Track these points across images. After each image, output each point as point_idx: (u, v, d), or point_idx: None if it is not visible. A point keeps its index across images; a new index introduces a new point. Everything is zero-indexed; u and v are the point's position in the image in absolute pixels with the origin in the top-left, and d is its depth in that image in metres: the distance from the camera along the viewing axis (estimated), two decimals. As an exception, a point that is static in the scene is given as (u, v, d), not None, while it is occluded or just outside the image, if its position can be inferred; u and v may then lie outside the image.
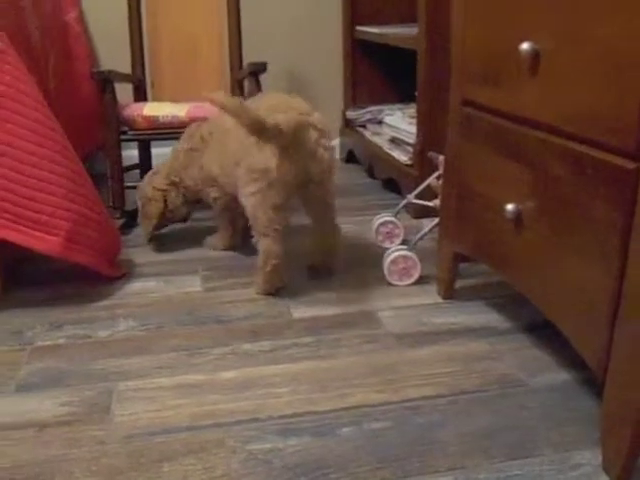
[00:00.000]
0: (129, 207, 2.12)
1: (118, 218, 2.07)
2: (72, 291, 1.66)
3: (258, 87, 2.08)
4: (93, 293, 1.64)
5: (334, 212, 1.69)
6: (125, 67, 2.31)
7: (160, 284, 1.70)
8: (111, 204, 2.07)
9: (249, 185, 1.55)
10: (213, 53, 2.36)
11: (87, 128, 2.32)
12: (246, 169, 1.55)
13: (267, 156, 1.49)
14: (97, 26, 2.63)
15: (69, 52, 2.37)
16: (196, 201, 1.92)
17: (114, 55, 2.51)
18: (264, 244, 1.57)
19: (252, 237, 1.61)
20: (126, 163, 2.18)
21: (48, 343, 1.43)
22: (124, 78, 2.23)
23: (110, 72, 2.05)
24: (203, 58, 2.37)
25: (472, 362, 1.33)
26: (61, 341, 1.44)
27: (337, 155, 2.86)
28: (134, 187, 2.20)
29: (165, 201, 1.88)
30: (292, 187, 1.54)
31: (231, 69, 2.35)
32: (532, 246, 1.18)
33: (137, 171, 2.33)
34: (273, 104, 1.56)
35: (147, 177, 1.94)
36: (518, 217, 1.20)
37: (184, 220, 2.00)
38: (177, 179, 1.87)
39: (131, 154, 2.36)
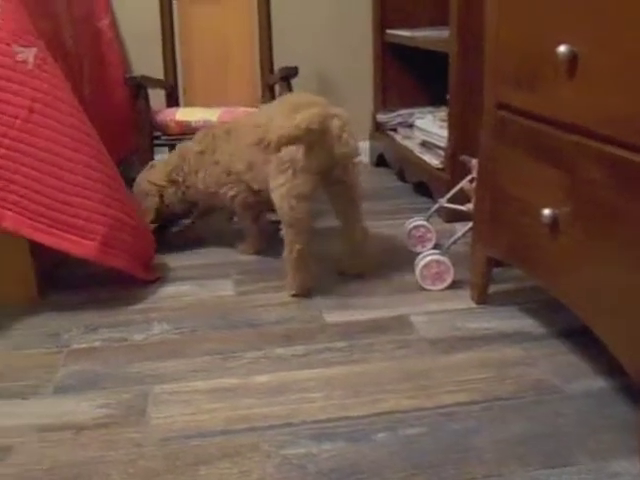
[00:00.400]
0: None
1: (151, 222, 2.09)
2: (107, 294, 1.68)
3: (290, 91, 2.08)
4: (128, 296, 1.66)
5: (361, 211, 1.70)
6: (157, 73, 2.34)
7: (193, 288, 1.71)
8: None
9: (277, 177, 1.59)
10: (244, 58, 2.38)
11: (120, 133, 2.35)
12: (276, 162, 1.58)
13: (294, 146, 1.53)
14: (129, 32, 2.66)
15: (102, 58, 2.41)
16: (194, 203, 1.95)
17: (146, 61, 2.54)
18: (289, 233, 1.60)
19: (280, 230, 1.63)
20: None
21: (84, 346, 1.45)
22: (157, 84, 2.26)
23: (143, 78, 2.08)
24: (234, 63, 2.39)
25: (506, 368, 1.31)
26: (97, 344, 1.46)
27: (367, 158, 2.86)
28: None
29: (161, 196, 1.92)
30: (318, 174, 1.58)
31: (262, 74, 2.37)
32: (569, 251, 1.17)
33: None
34: (295, 102, 1.62)
35: (143, 172, 1.98)
36: (554, 221, 1.18)
37: (184, 217, 2.02)
38: (180, 178, 1.91)
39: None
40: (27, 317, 1.58)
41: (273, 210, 1.68)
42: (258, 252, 1.93)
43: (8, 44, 1.41)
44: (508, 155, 1.36)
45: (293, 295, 1.63)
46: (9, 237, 1.52)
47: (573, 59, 1.07)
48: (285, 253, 1.62)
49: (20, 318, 1.57)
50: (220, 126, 1.84)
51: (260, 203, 1.83)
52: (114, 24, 2.57)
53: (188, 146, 1.91)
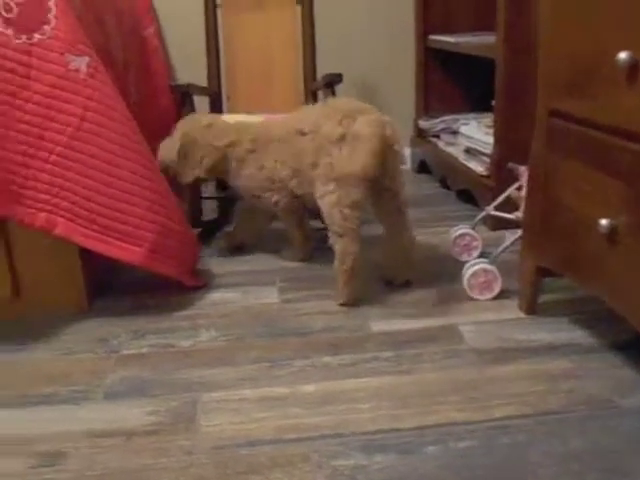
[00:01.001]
0: (206, 217, 2.16)
1: (195, 228, 2.11)
2: (154, 300, 1.70)
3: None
4: (174, 303, 1.68)
5: (408, 218, 1.69)
6: (201, 80, 2.36)
7: (239, 295, 1.72)
8: (188, 214, 2.11)
9: (326, 184, 1.58)
10: (287, 65, 2.38)
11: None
12: (325, 169, 1.58)
13: (348, 153, 1.54)
14: (174, 40, 2.69)
15: (147, 66, 2.44)
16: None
17: (190, 68, 2.57)
18: (341, 243, 1.59)
19: (327, 239, 1.63)
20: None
21: (133, 352, 1.46)
22: (201, 91, 2.28)
23: (189, 85, 2.10)
24: (277, 70, 2.39)
25: (557, 381, 1.29)
26: (145, 350, 1.47)
27: (408, 165, 2.85)
28: (210, 198, 2.25)
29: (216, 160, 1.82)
30: (368, 182, 1.57)
31: (305, 80, 2.37)
32: (627, 261, 1.14)
33: (213, 182, 2.37)
34: (341, 109, 1.61)
35: (194, 121, 1.88)
36: (612, 232, 1.15)
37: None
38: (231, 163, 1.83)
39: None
40: (76, 322, 1.60)
41: (318, 217, 1.67)
42: (303, 259, 1.92)
43: (62, 53, 1.43)
44: (561, 163, 1.33)
45: (342, 304, 1.62)
46: (60, 243, 1.54)
47: (634, 66, 1.04)
48: (336, 263, 1.61)
49: (70, 323, 1.59)
50: (265, 128, 1.81)
51: (302, 207, 1.83)
52: (159, 32, 2.60)
53: (241, 140, 1.81)
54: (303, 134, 1.66)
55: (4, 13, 1.40)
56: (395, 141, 1.59)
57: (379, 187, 1.62)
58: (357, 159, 1.53)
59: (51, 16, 1.43)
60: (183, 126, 1.87)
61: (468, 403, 1.23)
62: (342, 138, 1.56)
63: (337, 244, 1.60)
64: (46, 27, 1.42)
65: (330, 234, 1.62)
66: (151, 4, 2.60)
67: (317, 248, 1.97)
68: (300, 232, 1.92)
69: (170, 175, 1.83)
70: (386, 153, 1.56)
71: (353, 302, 1.63)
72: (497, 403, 1.23)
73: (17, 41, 1.41)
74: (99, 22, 1.79)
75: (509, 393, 1.25)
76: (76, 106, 1.45)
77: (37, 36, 1.42)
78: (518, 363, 1.35)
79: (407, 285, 1.72)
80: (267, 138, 1.77)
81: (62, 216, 1.48)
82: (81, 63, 1.46)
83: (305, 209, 1.86)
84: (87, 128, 1.46)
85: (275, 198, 1.81)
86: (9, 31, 1.40)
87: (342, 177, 1.55)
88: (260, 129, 1.80)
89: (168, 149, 1.85)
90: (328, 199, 1.58)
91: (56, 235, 1.49)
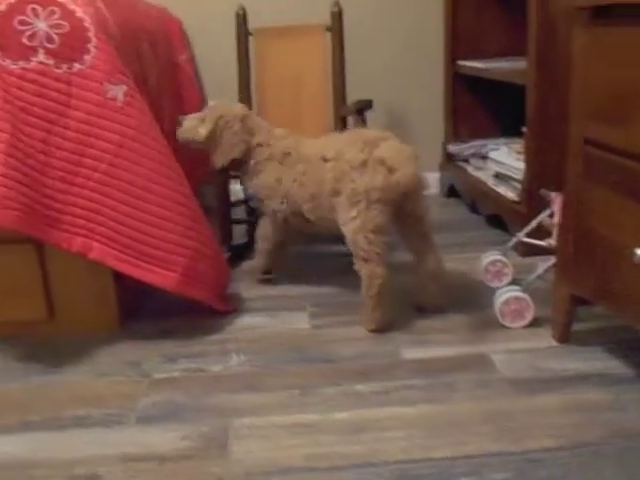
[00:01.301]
0: (236, 241, 2.18)
1: (225, 252, 2.12)
2: (185, 324, 1.71)
3: (364, 124, 2.10)
4: (204, 326, 1.69)
5: (433, 242, 1.70)
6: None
7: (269, 319, 1.72)
8: (219, 238, 2.13)
9: (350, 210, 1.60)
10: (317, 91, 2.40)
11: (196, 165, 2.40)
12: (348, 195, 1.60)
13: (370, 177, 1.56)
14: (206, 66, 2.74)
15: (180, 92, 2.48)
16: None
17: (221, 94, 2.61)
18: (367, 268, 1.60)
19: (352, 265, 1.64)
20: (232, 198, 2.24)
21: (164, 376, 1.47)
22: (233, 116, 2.31)
23: (221, 112, 2.12)
24: (307, 96, 2.42)
25: (593, 412, 1.27)
26: (176, 374, 1.48)
27: (437, 189, 2.85)
28: (240, 222, 2.27)
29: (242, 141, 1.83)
30: (391, 206, 1.59)
31: (335, 106, 2.39)
32: (664, 293, 1.12)
33: (243, 207, 2.39)
34: (365, 137, 1.64)
35: (229, 108, 1.87)
36: (649, 262, 1.14)
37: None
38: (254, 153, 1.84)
39: (234, 188, 2.41)
40: (109, 344, 1.62)
41: (342, 242, 1.68)
42: (267, 271, 1.96)
43: (101, 82, 1.47)
44: (596, 192, 1.32)
45: (371, 330, 1.62)
46: (94, 265, 1.57)
47: (671, 96, 1.04)
48: (364, 289, 1.62)
49: (102, 345, 1.61)
50: (297, 144, 1.80)
51: (296, 230, 1.87)
52: (192, 59, 2.65)
53: (271, 145, 1.82)
54: (326, 160, 1.67)
55: (46, 44, 1.44)
56: (416, 166, 1.58)
57: (403, 212, 1.63)
58: (378, 182, 1.56)
59: (91, 46, 1.46)
60: (218, 109, 1.86)
61: (502, 434, 1.21)
62: (364, 164, 1.58)
63: (363, 269, 1.61)
64: (86, 57, 1.46)
65: (355, 260, 1.62)
66: (184, 31, 2.66)
67: (347, 273, 1.98)
68: (277, 251, 1.93)
69: (191, 148, 1.90)
70: (407, 178, 1.56)
71: (382, 328, 1.63)
72: (532, 434, 1.21)
73: (58, 71, 1.45)
74: (135, 50, 1.83)
75: (544, 424, 1.24)
76: (113, 133, 1.48)
77: (77, 66, 1.46)
78: (553, 393, 1.33)
79: (438, 311, 1.71)
80: (296, 156, 1.77)
81: (97, 240, 1.50)
82: (119, 92, 1.49)
83: (299, 235, 1.92)
84: (124, 155, 1.49)
85: (277, 207, 1.81)
86: (50, 61, 1.44)
87: (364, 201, 1.57)
88: (292, 144, 1.81)
89: (195, 126, 1.87)
90: (352, 225, 1.59)
91: (91, 259, 1.51)
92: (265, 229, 1.93)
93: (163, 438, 1.24)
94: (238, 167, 1.89)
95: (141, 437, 1.25)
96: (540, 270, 1.59)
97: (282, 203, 1.79)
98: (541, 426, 1.23)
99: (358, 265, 1.62)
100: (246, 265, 2.03)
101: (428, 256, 1.69)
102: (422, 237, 1.69)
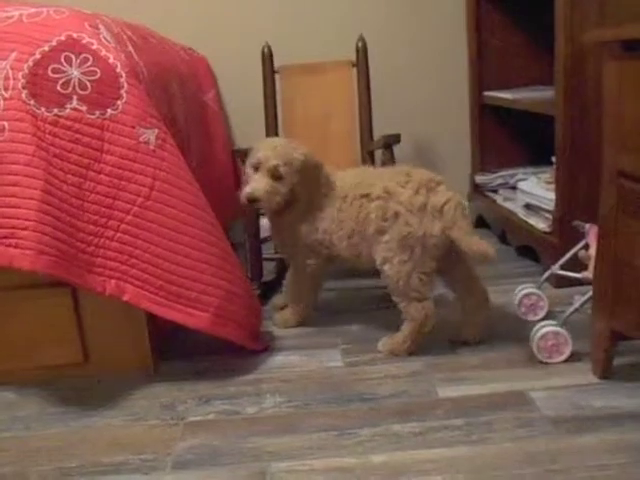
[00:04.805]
0: (266, 278, 2.18)
1: (255, 289, 2.12)
2: (217, 364, 1.70)
3: (392, 158, 2.10)
4: (237, 367, 1.68)
5: (477, 273, 1.71)
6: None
7: (302, 358, 1.71)
8: (249, 275, 2.13)
9: (400, 253, 1.60)
10: (344, 126, 2.42)
11: (224, 202, 2.42)
12: (401, 237, 1.60)
13: (429, 223, 1.58)
14: (233, 104, 2.77)
15: (207, 130, 2.51)
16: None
17: (248, 131, 2.63)
18: (420, 308, 1.62)
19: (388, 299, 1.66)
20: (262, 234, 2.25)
21: (199, 418, 1.46)
22: (261, 154, 2.33)
23: (250, 150, 2.14)
24: (334, 132, 2.43)
25: (641, 452, 1.23)
26: (211, 416, 1.47)
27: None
28: (271, 259, 2.27)
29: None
30: (443, 249, 1.62)
31: (361, 141, 2.39)
32: None
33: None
34: (419, 178, 1.63)
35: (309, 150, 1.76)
36: (693, 298, 1.11)
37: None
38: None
39: (264, 223, 2.41)
40: (143, 386, 1.61)
41: (374, 275, 1.68)
42: (299, 324, 1.91)
43: (133, 126, 1.49)
44: (632, 225, 1.30)
45: (396, 355, 1.67)
46: (127, 307, 1.57)
47: None
48: (414, 326, 1.65)
49: (136, 387, 1.61)
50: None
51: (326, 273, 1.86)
52: (218, 97, 2.68)
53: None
54: (370, 199, 1.66)
55: (80, 91, 1.47)
56: (466, 210, 1.61)
57: (449, 250, 1.63)
58: (437, 230, 1.57)
59: (123, 92, 1.49)
60: (302, 148, 1.76)
61: (546, 476, 1.18)
62: (423, 208, 1.58)
63: (413, 309, 1.63)
64: (118, 102, 1.49)
65: (401, 299, 1.64)
66: (210, 69, 2.69)
67: (378, 308, 1.97)
68: (312, 296, 1.90)
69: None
70: (462, 232, 1.58)
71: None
72: (578, 477, 1.17)
73: (91, 116, 1.47)
74: (165, 91, 1.86)
75: (590, 466, 1.20)
76: (146, 176, 1.50)
77: (110, 111, 1.48)
78: (597, 432, 1.30)
79: (481, 344, 1.70)
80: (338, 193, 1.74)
81: (131, 283, 1.51)
82: (151, 135, 1.51)
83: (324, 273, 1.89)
84: (156, 197, 1.50)
85: (310, 261, 1.80)
86: (84, 107, 1.47)
87: (420, 246, 1.58)
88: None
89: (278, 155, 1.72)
90: (403, 267, 1.60)
91: (125, 301, 1.52)
92: (294, 287, 1.90)
93: (199, 484, 1.23)
94: (277, 207, 1.77)
95: (178, 483, 1.24)
96: (577, 305, 1.55)
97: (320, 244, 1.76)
98: (587, 467, 1.19)
99: (406, 305, 1.64)
100: (277, 299, 2.02)
101: (475, 286, 1.70)
102: (467, 269, 1.70)
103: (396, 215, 1.61)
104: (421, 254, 1.59)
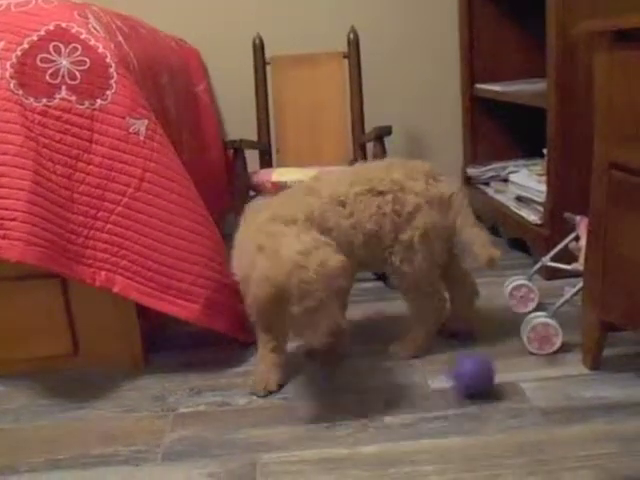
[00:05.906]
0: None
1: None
2: (208, 356, 1.70)
3: (383, 150, 2.09)
4: (228, 358, 1.67)
5: (467, 268, 1.69)
6: (250, 134, 2.41)
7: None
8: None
9: (422, 246, 1.53)
10: (336, 118, 2.41)
11: (215, 194, 2.41)
12: (424, 231, 1.52)
13: (446, 214, 1.56)
14: (224, 96, 2.75)
15: (198, 122, 2.50)
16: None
17: (240, 123, 2.62)
18: (435, 301, 1.61)
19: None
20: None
21: (189, 410, 1.46)
22: (252, 145, 2.33)
23: (242, 141, 2.14)
24: (325, 123, 2.42)
25: (632, 443, 1.23)
26: (201, 408, 1.46)
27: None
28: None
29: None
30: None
31: (353, 133, 2.39)
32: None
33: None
34: (423, 170, 1.58)
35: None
36: (683, 289, 1.12)
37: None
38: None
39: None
40: (133, 378, 1.61)
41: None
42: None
43: (123, 117, 1.48)
44: (623, 216, 1.30)
45: (409, 358, 1.62)
46: (117, 299, 1.57)
47: (701, 120, 1.02)
48: (427, 320, 1.62)
49: (126, 379, 1.60)
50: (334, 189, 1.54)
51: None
52: (210, 89, 2.67)
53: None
54: (381, 194, 1.53)
55: (69, 81, 1.45)
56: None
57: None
58: (450, 220, 1.56)
59: (112, 82, 1.48)
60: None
61: (537, 466, 1.18)
62: (441, 199, 1.55)
63: (427, 303, 1.61)
64: (108, 93, 1.47)
65: (413, 296, 1.61)
66: (202, 61, 2.68)
67: (369, 303, 1.97)
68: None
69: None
70: (464, 218, 1.58)
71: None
72: (567, 467, 1.18)
73: (80, 107, 1.46)
74: (155, 82, 1.85)
75: (580, 456, 1.20)
76: (136, 167, 1.49)
77: (99, 101, 1.47)
78: (587, 423, 1.30)
79: (470, 336, 1.69)
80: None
81: (121, 274, 1.50)
82: (141, 126, 1.50)
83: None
84: (146, 188, 1.49)
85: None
86: (73, 97, 1.46)
87: (439, 240, 1.55)
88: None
89: None
90: (425, 263, 1.54)
91: (115, 293, 1.51)
92: None
93: (190, 475, 1.23)
94: None
95: (168, 475, 1.24)
96: (567, 296, 1.56)
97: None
98: (577, 458, 1.20)
99: (419, 300, 1.61)
100: None
101: (465, 279, 1.69)
102: (457, 262, 1.68)
103: (417, 208, 1.51)
104: (440, 247, 1.56)
